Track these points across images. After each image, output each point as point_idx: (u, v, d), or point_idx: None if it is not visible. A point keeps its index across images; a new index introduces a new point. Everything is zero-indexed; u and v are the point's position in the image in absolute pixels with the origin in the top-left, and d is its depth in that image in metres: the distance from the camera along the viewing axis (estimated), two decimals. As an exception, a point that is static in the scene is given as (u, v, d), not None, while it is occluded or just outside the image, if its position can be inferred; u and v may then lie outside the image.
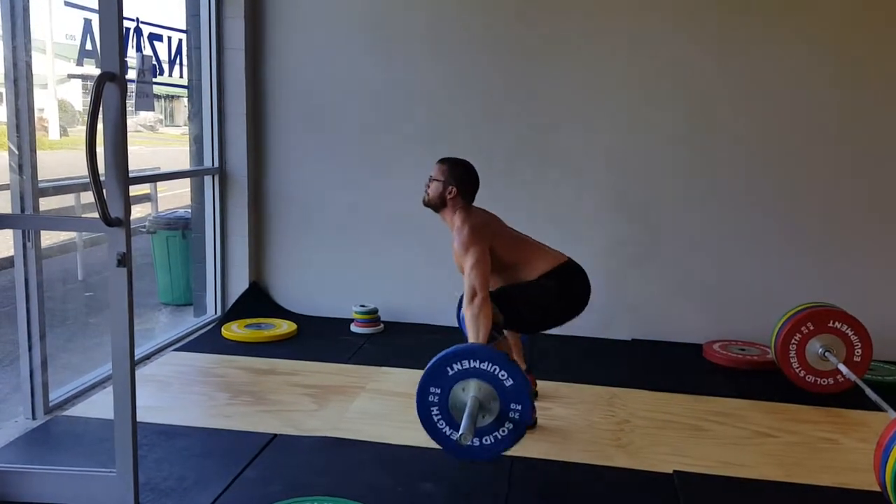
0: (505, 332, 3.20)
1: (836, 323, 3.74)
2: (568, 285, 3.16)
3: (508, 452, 2.95)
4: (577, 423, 3.32)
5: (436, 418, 2.79)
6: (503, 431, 2.74)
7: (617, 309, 4.58)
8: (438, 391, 2.77)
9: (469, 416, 2.65)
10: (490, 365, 2.73)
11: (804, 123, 4.28)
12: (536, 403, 3.42)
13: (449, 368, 2.75)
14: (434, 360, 2.79)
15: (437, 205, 3.24)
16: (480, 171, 3.27)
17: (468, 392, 2.74)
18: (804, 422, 3.43)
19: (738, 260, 4.43)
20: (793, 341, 3.78)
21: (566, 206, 4.51)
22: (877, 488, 2.68)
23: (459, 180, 3.18)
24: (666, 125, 4.38)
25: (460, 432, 2.61)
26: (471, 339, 2.95)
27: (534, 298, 3.13)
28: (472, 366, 2.73)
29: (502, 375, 2.71)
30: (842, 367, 3.62)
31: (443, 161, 3.27)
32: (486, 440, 2.76)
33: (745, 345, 4.35)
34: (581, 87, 4.42)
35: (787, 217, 4.36)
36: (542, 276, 3.14)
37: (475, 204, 3.26)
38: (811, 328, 3.77)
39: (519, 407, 2.72)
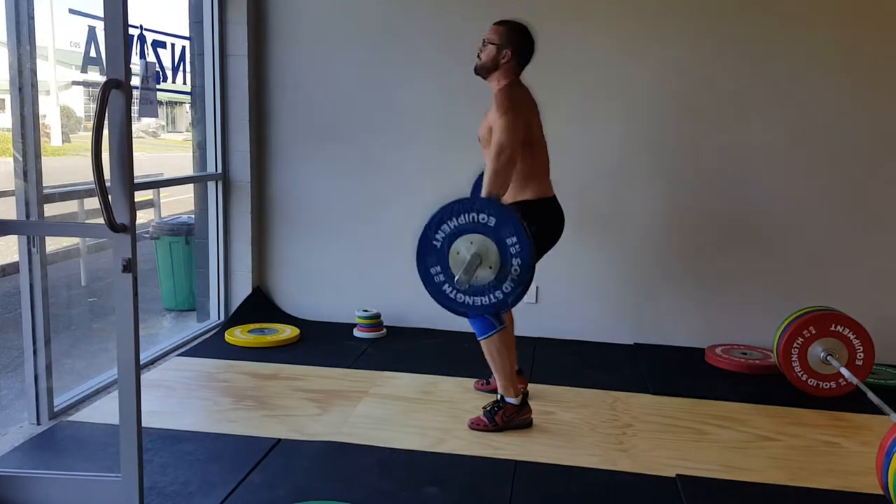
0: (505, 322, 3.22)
1: (838, 326, 3.74)
2: (544, 222, 3.18)
3: (511, 456, 2.97)
4: (579, 427, 3.33)
5: (437, 278, 2.73)
6: (506, 288, 2.69)
7: (619, 313, 4.59)
8: (438, 245, 2.72)
9: (468, 264, 2.62)
10: (490, 218, 2.67)
11: (804, 125, 4.29)
12: (534, 404, 3.43)
13: (448, 224, 2.70)
14: (434, 214, 2.72)
15: (489, 69, 3.18)
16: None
17: (469, 249, 2.70)
18: (806, 425, 3.44)
19: (740, 263, 4.44)
20: (795, 345, 3.79)
21: (567, 209, 4.51)
22: (879, 491, 2.69)
23: (516, 44, 3.13)
24: (666, 129, 4.40)
25: (457, 277, 2.59)
26: (484, 191, 2.90)
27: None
28: (456, 224, 2.68)
29: (505, 232, 2.66)
30: (844, 371, 3.63)
31: (500, 23, 3.20)
32: (488, 298, 2.71)
33: (747, 349, 4.36)
34: (585, 88, 4.44)
35: (789, 220, 4.37)
36: (523, 206, 3.11)
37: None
38: (813, 332, 3.77)
39: (519, 261, 2.67)
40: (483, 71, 3.21)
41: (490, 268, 2.70)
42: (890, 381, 3.93)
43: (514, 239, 2.69)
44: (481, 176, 3.52)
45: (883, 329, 4.07)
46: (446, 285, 2.73)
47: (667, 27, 4.32)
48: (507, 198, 3.20)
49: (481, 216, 2.68)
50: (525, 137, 3.09)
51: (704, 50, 4.31)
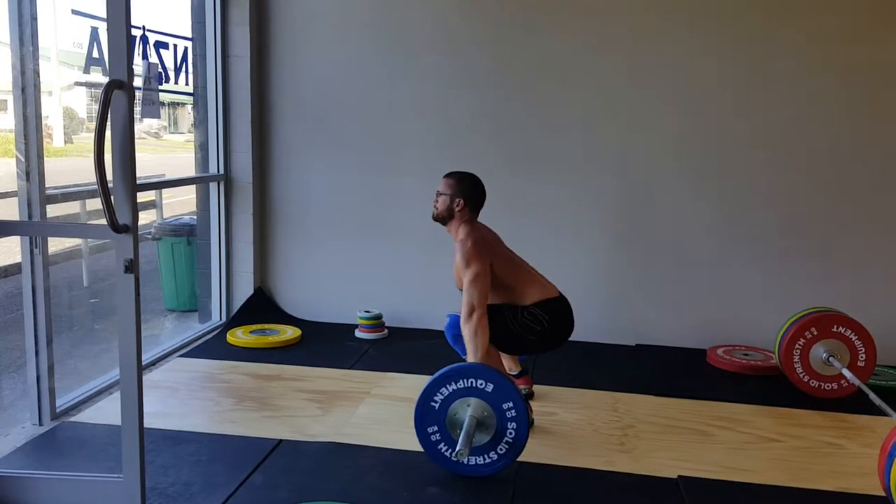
0: None
1: (840, 328, 3.74)
2: (556, 319, 3.21)
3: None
4: (581, 428, 3.32)
5: (433, 437, 2.85)
6: (500, 450, 2.80)
7: (621, 314, 4.58)
8: (436, 407, 2.83)
9: (465, 435, 2.71)
10: (488, 384, 2.78)
11: (806, 127, 4.29)
12: (535, 405, 3.44)
13: (447, 388, 2.82)
14: (432, 378, 2.85)
15: (445, 218, 3.29)
16: (483, 175, 3.30)
17: (465, 411, 2.81)
18: (808, 426, 3.43)
19: (742, 265, 4.43)
20: (797, 346, 3.79)
21: (569, 210, 4.52)
22: (881, 493, 2.68)
23: (466, 194, 3.24)
24: (668, 129, 4.40)
25: (456, 449, 2.67)
26: (469, 356, 2.99)
27: (522, 322, 3.16)
28: (470, 384, 2.80)
29: (501, 397, 2.78)
30: (846, 372, 3.63)
31: (450, 175, 3.32)
32: (482, 459, 2.81)
33: (748, 350, 4.35)
34: (584, 90, 4.44)
35: (791, 221, 4.37)
36: (535, 305, 3.18)
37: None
38: (815, 333, 3.77)
39: (515, 426, 2.78)
40: (440, 219, 3.32)
41: (486, 429, 2.81)
42: (892, 382, 3.92)
43: (511, 404, 2.78)
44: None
45: (885, 330, 4.06)
46: (442, 444, 2.84)
47: (672, 26, 4.32)
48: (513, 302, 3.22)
49: (479, 382, 2.80)
50: (498, 271, 3.16)
51: (707, 49, 4.31)
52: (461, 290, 3.17)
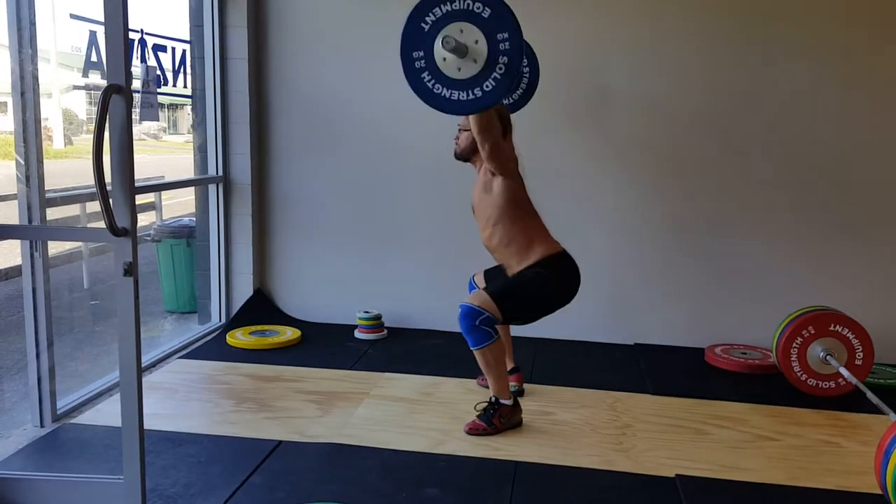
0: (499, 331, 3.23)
1: (838, 326, 3.75)
2: (562, 275, 3.21)
3: (511, 457, 2.99)
4: (579, 427, 3.34)
5: (417, 63, 2.67)
6: (487, 86, 2.63)
7: (619, 313, 4.60)
8: (426, 29, 2.63)
9: (458, 43, 2.55)
10: (485, 9, 2.58)
11: (805, 126, 4.30)
12: (534, 404, 3.44)
13: (441, 8, 2.63)
14: (410, 14, 2.65)
15: (469, 153, 3.30)
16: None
17: (459, 34, 2.61)
18: (806, 425, 3.44)
19: (740, 264, 4.44)
20: (794, 345, 3.80)
21: (567, 210, 4.53)
22: (879, 491, 2.70)
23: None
24: (667, 129, 4.41)
25: (443, 35, 2.53)
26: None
27: (530, 291, 3.16)
28: (448, 9, 2.60)
29: (497, 25, 2.57)
30: (843, 371, 3.64)
31: None
32: (465, 94, 2.65)
33: (746, 349, 4.37)
34: (587, 89, 4.45)
35: (789, 220, 4.38)
36: (537, 264, 3.17)
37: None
38: (812, 332, 3.78)
39: (506, 59, 2.59)
40: (463, 156, 3.31)
41: (475, 61, 2.60)
42: (889, 380, 3.94)
43: (506, 35, 2.58)
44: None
45: (882, 328, 4.07)
46: (426, 73, 2.64)
47: (666, 25, 4.33)
48: (515, 267, 3.25)
49: (476, 5, 2.57)
50: (518, 195, 3.22)
51: (703, 47, 4.31)
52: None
